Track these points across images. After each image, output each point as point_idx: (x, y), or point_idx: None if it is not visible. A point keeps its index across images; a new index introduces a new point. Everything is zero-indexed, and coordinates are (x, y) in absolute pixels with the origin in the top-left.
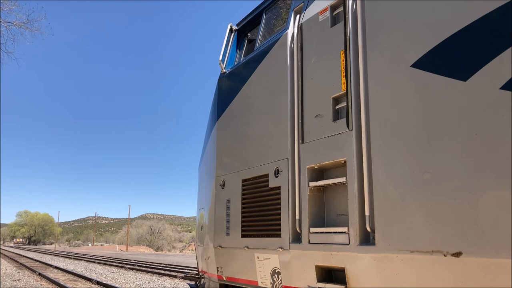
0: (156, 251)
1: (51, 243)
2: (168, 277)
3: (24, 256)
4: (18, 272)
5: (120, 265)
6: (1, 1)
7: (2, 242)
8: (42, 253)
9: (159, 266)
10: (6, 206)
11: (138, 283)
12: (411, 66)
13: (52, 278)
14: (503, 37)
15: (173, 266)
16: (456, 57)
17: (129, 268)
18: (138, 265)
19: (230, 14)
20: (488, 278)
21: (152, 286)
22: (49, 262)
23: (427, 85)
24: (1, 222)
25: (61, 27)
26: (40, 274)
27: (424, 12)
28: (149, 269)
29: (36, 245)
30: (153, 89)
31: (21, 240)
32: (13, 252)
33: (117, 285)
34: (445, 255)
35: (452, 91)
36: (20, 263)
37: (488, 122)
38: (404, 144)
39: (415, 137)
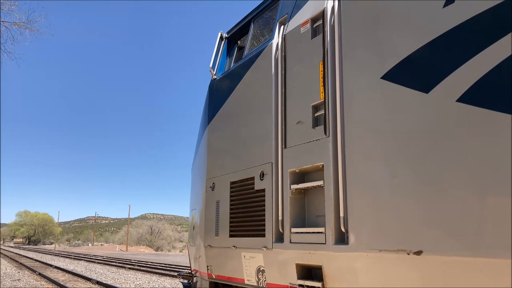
0: (156, 251)
1: (51, 243)
2: (168, 277)
3: (24, 256)
4: (18, 272)
5: (120, 265)
6: (1, 1)
7: (2, 242)
8: (42, 253)
9: (159, 266)
10: (6, 206)
11: (138, 283)
12: (381, 78)
13: (52, 278)
14: (459, 54)
15: (173, 266)
16: (420, 71)
17: (129, 268)
18: (138, 265)
19: (230, 14)
20: (447, 275)
21: (152, 286)
22: (49, 262)
23: (395, 96)
24: (1, 222)
25: (61, 27)
26: (40, 274)
27: (391, 29)
28: (149, 269)
29: (36, 245)
30: (154, 88)
31: (21, 240)
32: (13, 252)
33: (117, 285)
34: (408, 254)
35: (417, 102)
36: (20, 263)
37: (446, 132)
38: (375, 150)
39: (384, 144)
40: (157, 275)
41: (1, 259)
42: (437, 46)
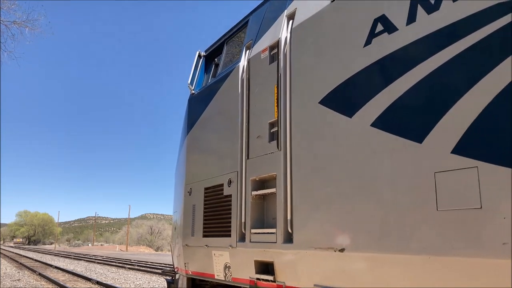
0: (156, 251)
1: (51, 243)
2: (168, 277)
3: (24, 256)
4: (18, 272)
5: (120, 265)
6: (1, 0)
7: (2, 242)
8: (42, 253)
9: (159, 266)
10: (6, 206)
11: (138, 283)
12: (318, 103)
13: (52, 278)
14: (374, 86)
15: (173, 266)
16: (346, 98)
17: (129, 268)
18: (138, 265)
19: (231, 14)
20: (364, 268)
21: (152, 286)
22: (49, 262)
23: (328, 118)
24: (1, 222)
25: (60, 27)
26: (40, 274)
27: (326, 62)
28: (149, 269)
29: (36, 245)
30: (154, 86)
31: (21, 240)
32: (13, 252)
33: (117, 285)
34: (335, 251)
35: (343, 125)
36: (20, 263)
37: (363, 151)
38: (313, 164)
39: (320, 159)
40: (157, 275)
41: (1, 259)
42: (359, 78)
